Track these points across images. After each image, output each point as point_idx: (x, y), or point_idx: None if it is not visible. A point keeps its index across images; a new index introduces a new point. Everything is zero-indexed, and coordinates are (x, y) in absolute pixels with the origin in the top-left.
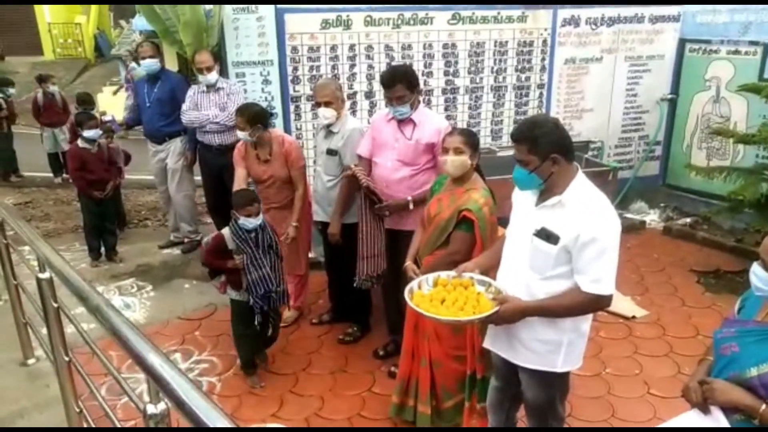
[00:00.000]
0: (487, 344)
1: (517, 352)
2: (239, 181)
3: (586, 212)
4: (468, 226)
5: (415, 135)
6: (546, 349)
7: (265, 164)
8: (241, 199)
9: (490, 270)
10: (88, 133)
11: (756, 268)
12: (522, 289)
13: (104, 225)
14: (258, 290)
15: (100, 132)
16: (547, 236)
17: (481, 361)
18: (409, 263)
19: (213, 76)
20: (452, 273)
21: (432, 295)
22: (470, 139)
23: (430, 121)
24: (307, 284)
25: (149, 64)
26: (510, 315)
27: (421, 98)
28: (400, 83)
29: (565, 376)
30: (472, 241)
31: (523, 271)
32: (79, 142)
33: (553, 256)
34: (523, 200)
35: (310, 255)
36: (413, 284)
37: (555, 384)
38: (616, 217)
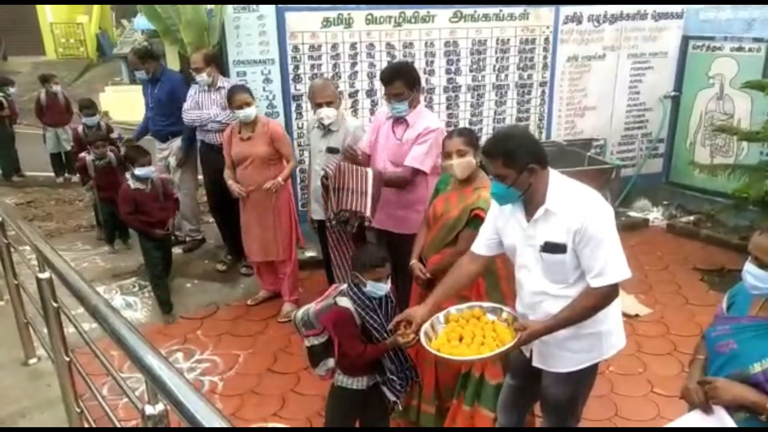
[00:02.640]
0: (536, 363)
1: (564, 359)
2: (227, 162)
3: (573, 210)
4: (478, 224)
5: (405, 136)
6: (589, 343)
7: (247, 142)
8: (371, 258)
9: (448, 300)
10: (140, 171)
11: (750, 267)
12: (550, 301)
13: (168, 269)
14: (396, 370)
15: (153, 169)
16: (554, 248)
17: (493, 364)
18: (414, 261)
19: (203, 78)
20: (462, 306)
21: (448, 334)
22: (470, 138)
23: (422, 121)
24: (298, 276)
25: (139, 76)
26: (531, 340)
27: (422, 98)
28: (399, 80)
29: (594, 370)
30: None
31: (543, 285)
32: (131, 182)
33: (567, 263)
34: (508, 217)
35: (312, 254)
36: (426, 327)
37: (582, 380)
38: (604, 202)
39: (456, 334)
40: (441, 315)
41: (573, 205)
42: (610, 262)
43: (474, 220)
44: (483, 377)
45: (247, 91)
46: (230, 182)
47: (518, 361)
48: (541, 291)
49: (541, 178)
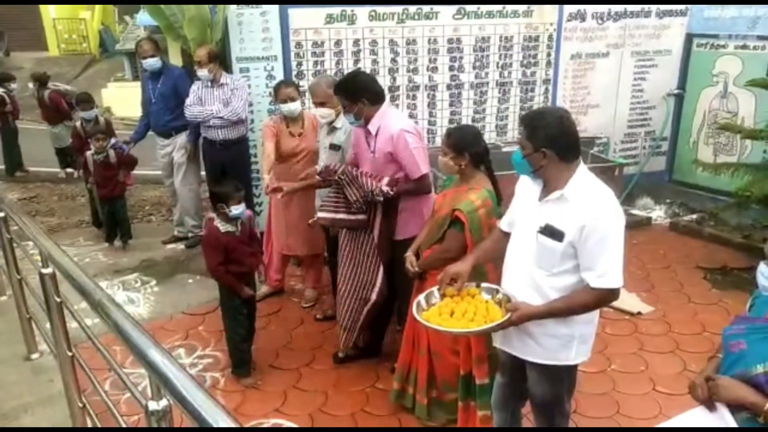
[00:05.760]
0: (497, 343)
1: (530, 348)
2: (268, 153)
3: (588, 204)
4: (460, 226)
5: (376, 146)
6: (559, 343)
7: (298, 138)
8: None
9: (487, 263)
10: (237, 210)
11: (763, 269)
12: (529, 285)
13: (253, 327)
14: None
15: (244, 206)
16: (552, 233)
17: (478, 365)
18: (409, 253)
19: (204, 73)
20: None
21: (440, 307)
22: (450, 140)
23: (385, 130)
24: (321, 265)
25: (151, 63)
26: (521, 322)
27: (386, 101)
28: (338, 94)
29: (573, 370)
30: (464, 241)
31: (529, 268)
32: (220, 225)
33: (559, 252)
34: (527, 194)
35: None
36: (420, 299)
37: (563, 379)
38: (619, 208)
39: (448, 309)
40: (436, 290)
41: (589, 200)
42: (613, 266)
43: (456, 221)
44: (473, 378)
45: (292, 86)
46: (266, 176)
47: (504, 358)
48: (522, 272)
49: (557, 167)
